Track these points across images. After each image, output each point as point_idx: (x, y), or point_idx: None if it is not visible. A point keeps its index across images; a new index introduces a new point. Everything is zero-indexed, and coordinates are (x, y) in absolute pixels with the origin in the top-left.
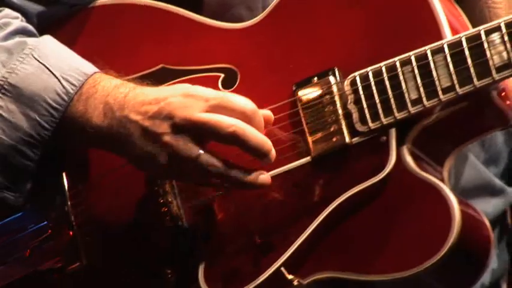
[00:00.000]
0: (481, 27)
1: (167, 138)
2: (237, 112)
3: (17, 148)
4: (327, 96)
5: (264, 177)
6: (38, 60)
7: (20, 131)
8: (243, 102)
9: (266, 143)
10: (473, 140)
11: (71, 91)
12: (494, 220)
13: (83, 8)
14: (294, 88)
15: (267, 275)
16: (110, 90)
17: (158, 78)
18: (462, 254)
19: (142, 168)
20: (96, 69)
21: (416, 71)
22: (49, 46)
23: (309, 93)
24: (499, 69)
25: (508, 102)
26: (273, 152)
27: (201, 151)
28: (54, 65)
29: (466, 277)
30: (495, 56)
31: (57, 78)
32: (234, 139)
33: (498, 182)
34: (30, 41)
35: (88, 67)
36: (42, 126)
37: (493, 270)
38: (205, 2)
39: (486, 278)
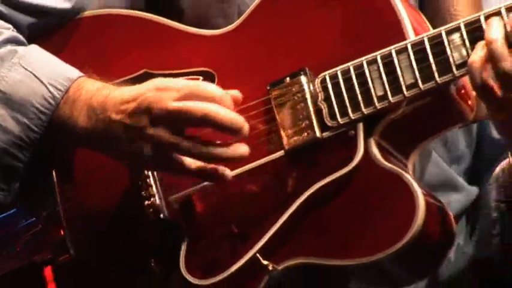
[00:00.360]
0: (442, 28)
1: (149, 130)
2: (207, 97)
3: (8, 151)
4: (299, 94)
5: (243, 148)
6: (25, 68)
7: (10, 134)
8: (211, 88)
9: (237, 118)
10: (437, 135)
11: (57, 96)
12: (457, 214)
13: (71, 20)
14: (268, 88)
15: (243, 261)
16: (93, 93)
17: (141, 82)
18: (425, 242)
19: (130, 164)
20: (81, 74)
21: (382, 70)
22: (36, 55)
23: (282, 92)
24: (458, 67)
25: (467, 100)
26: (246, 126)
27: (180, 138)
28: (41, 72)
29: (427, 265)
30: (455, 53)
31: (43, 84)
32: (208, 121)
33: (460, 180)
34: (19, 49)
35: (72, 72)
36: (31, 129)
37: (451, 261)
38: (185, 14)
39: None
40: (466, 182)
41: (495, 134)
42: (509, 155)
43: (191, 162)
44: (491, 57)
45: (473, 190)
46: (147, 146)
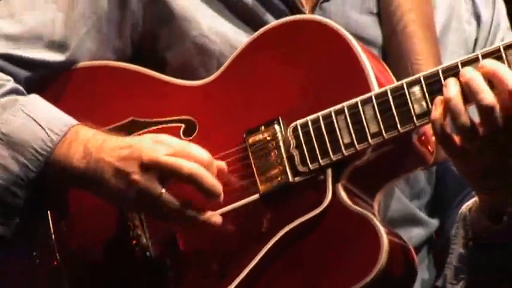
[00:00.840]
0: (403, 81)
1: (135, 176)
2: (197, 160)
3: (8, 189)
4: (273, 142)
5: (216, 218)
6: (26, 114)
7: (11, 174)
8: (201, 153)
9: (217, 186)
10: (400, 178)
11: (55, 139)
12: (418, 246)
13: (65, 71)
14: (244, 135)
15: None
16: (89, 137)
17: (128, 129)
18: (389, 278)
19: (114, 203)
20: (76, 122)
21: (348, 119)
22: (36, 102)
23: (257, 140)
24: (419, 117)
25: (427, 145)
26: (221, 196)
27: (164, 190)
28: (41, 118)
29: None
30: (416, 105)
31: (43, 128)
32: (192, 180)
33: (421, 214)
34: (20, 98)
35: (70, 119)
36: (29, 169)
37: None
38: (169, 65)
39: None
40: (427, 215)
41: (453, 171)
42: (476, 195)
43: (169, 215)
44: (450, 114)
45: (434, 223)
46: (131, 190)
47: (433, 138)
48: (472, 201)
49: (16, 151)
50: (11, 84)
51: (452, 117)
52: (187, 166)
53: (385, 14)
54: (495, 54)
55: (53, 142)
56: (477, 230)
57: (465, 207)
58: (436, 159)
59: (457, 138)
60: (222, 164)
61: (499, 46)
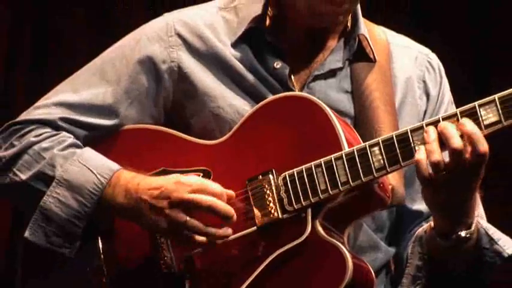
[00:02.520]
0: (366, 143)
1: (166, 211)
2: (211, 193)
3: (70, 220)
4: (268, 188)
5: (228, 230)
6: (82, 163)
7: (72, 209)
8: (214, 187)
9: (231, 211)
10: (364, 217)
11: (104, 182)
12: (379, 269)
13: (115, 131)
14: (246, 182)
15: None
16: (128, 180)
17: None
18: None
19: (149, 230)
20: (120, 167)
21: (324, 171)
22: (89, 153)
23: (256, 186)
24: (377, 170)
25: (385, 192)
26: (235, 217)
27: (188, 218)
28: (93, 166)
29: None
30: (375, 161)
31: (94, 174)
32: (211, 210)
33: (382, 243)
34: (77, 151)
35: (114, 165)
36: (85, 206)
37: None
38: (192, 127)
39: None
40: (387, 245)
41: (408, 208)
42: (432, 219)
43: (192, 237)
44: (427, 153)
45: (392, 250)
46: (163, 221)
47: (390, 186)
48: (426, 225)
49: (75, 193)
50: (70, 140)
51: (428, 155)
52: (205, 199)
53: (356, 93)
54: (452, 118)
55: (102, 184)
56: (431, 247)
57: (421, 229)
58: (392, 203)
59: (431, 172)
60: (232, 193)
61: (457, 111)
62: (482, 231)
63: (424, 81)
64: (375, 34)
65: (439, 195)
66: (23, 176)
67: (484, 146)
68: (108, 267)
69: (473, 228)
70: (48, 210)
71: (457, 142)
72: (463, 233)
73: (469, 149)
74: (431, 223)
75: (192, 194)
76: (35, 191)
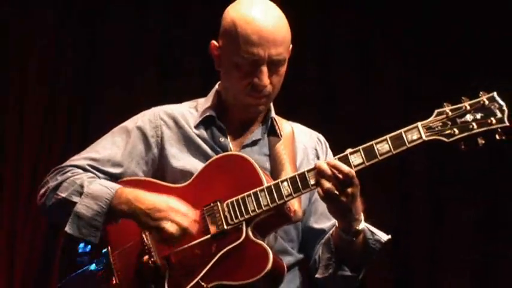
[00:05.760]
0: (278, 180)
1: (154, 221)
2: (182, 213)
3: (94, 217)
4: (217, 210)
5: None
6: (100, 184)
7: (94, 210)
8: (184, 210)
9: (189, 228)
10: (278, 228)
11: (112, 192)
12: (290, 267)
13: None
14: (203, 208)
15: (193, 283)
16: (128, 193)
17: None
18: (272, 274)
19: (142, 227)
20: (121, 186)
21: (253, 198)
22: (104, 179)
23: (209, 209)
24: (287, 196)
25: (290, 211)
26: (191, 230)
27: (166, 225)
28: (106, 185)
29: (274, 283)
30: (285, 190)
31: (107, 188)
32: (179, 226)
33: (292, 251)
34: (97, 179)
35: (118, 185)
36: (102, 208)
37: None
38: (168, 178)
39: None
40: (296, 252)
41: (310, 225)
42: (337, 224)
43: (169, 236)
44: (321, 178)
45: (300, 255)
46: (152, 224)
47: (293, 209)
48: (333, 230)
49: (97, 200)
50: (92, 174)
51: (321, 180)
52: (177, 220)
53: (271, 156)
54: (342, 159)
55: (112, 194)
56: (337, 242)
57: (328, 234)
58: (296, 219)
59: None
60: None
61: (347, 153)
62: (365, 227)
63: (316, 149)
64: (284, 122)
65: (336, 206)
66: (63, 195)
67: (351, 174)
68: (117, 268)
69: (362, 225)
70: (79, 212)
71: (340, 174)
72: (358, 227)
73: (345, 179)
74: (336, 225)
75: (171, 214)
76: (70, 203)
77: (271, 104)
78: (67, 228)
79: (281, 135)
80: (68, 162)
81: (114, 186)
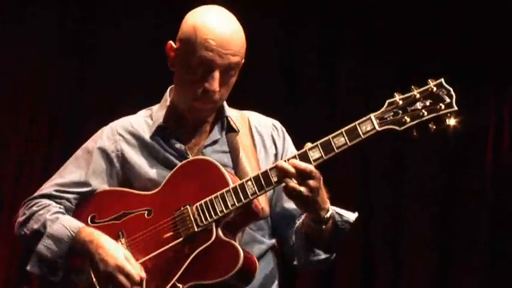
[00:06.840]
0: (243, 180)
1: (107, 268)
2: (129, 274)
3: (55, 259)
4: (187, 214)
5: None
6: (62, 224)
7: (55, 252)
8: (135, 271)
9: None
10: (248, 225)
11: (73, 234)
12: (264, 253)
13: (88, 195)
14: (174, 212)
15: (170, 284)
16: (86, 235)
17: (119, 219)
18: (243, 271)
19: (97, 270)
20: (83, 225)
21: (220, 200)
22: (66, 218)
23: (180, 214)
24: (252, 195)
25: (259, 209)
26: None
27: (119, 276)
28: (68, 225)
29: (245, 281)
30: (249, 189)
31: (68, 230)
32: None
33: (263, 239)
34: (60, 216)
35: (80, 224)
36: (63, 250)
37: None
38: (137, 187)
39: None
40: (268, 238)
41: (283, 205)
42: (305, 215)
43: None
44: (285, 176)
45: (272, 241)
46: (105, 270)
47: (260, 207)
48: (303, 217)
49: (57, 242)
50: (56, 209)
51: (285, 178)
52: (120, 279)
53: (231, 152)
54: (302, 155)
55: (72, 235)
56: (307, 230)
57: (299, 223)
58: (263, 216)
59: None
60: (142, 275)
61: (306, 149)
62: (333, 212)
63: (272, 136)
64: (239, 115)
65: (301, 201)
66: (28, 232)
67: (309, 169)
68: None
69: (330, 211)
70: (40, 253)
71: (300, 171)
72: (325, 216)
73: (305, 174)
74: (305, 215)
75: (117, 274)
76: (35, 240)
77: (224, 103)
78: (29, 267)
79: (238, 130)
80: (37, 193)
81: (74, 226)
